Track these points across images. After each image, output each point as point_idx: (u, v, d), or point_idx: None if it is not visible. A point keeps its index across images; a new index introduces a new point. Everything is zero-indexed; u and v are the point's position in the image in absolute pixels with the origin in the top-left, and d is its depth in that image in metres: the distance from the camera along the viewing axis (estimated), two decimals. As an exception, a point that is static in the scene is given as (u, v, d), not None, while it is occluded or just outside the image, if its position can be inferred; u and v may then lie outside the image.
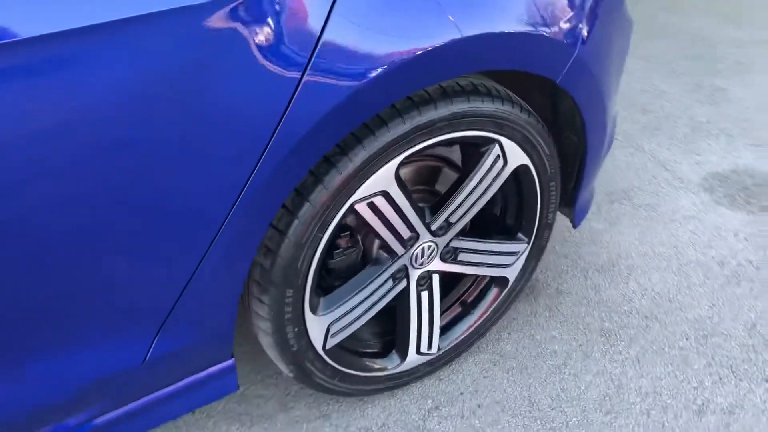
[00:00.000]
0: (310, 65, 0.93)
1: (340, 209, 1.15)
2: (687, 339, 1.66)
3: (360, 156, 1.11)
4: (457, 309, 1.55)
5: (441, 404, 1.50)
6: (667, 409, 1.49)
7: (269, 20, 0.89)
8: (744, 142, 2.46)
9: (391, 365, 1.44)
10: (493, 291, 1.55)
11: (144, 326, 1.05)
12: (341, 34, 0.94)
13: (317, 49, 0.93)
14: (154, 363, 1.10)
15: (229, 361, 1.22)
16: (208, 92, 0.88)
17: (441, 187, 1.44)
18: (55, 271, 0.89)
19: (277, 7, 0.89)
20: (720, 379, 1.56)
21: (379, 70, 0.98)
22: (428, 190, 1.44)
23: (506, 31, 1.10)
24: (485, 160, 1.29)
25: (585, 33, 1.25)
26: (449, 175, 1.42)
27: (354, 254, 1.31)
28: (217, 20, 0.85)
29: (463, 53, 1.07)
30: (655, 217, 2.09)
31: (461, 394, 1.53)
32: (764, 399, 1.51)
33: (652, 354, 1.62)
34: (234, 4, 0.85)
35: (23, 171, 0.79)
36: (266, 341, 1.25)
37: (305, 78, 0.93)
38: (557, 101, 1.42)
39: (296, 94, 0.93)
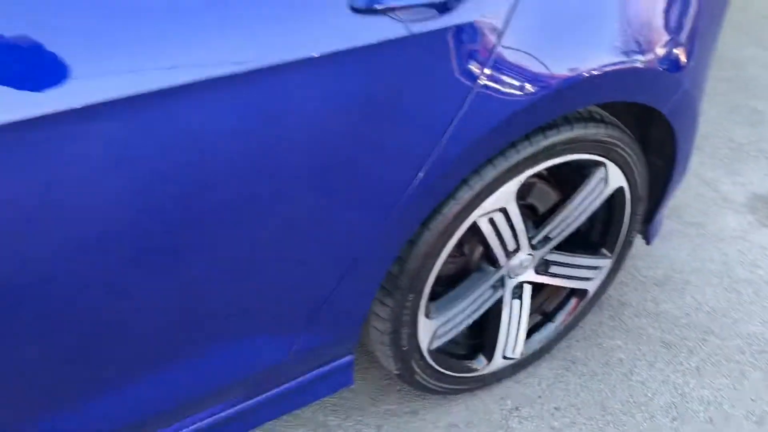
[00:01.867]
0: (478, 80, 1.02)
1: (464, 222, 1.23)
2: (743, 353, 1.77)
3: (490, 174, 1.19)
4: (537, 317, 1.65)
5: (520, 405, 1.60)
6: (728, 418, 1.60)
7: (453, 47, 0.98)
8: (782, 166, 2.57)
9: (479, 367, 1.53)
10: (573, 301, 1.64)
11: (297, 323, 1.13)
12: (513, 53, 1.04)
13: (488, 65, 1.02)
14: (293, 358, 1.19)
15: (350, 357, 1.30)
16: (392, 103, 0.97)
17: (533, 200, 1.52)
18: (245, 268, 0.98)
19: (453, 41, 0.98)
20: (776, 392, 1.67)
21: (542, 90, 1.07)
22: (524, 204, 1.52)
23: (642, 67, 1.19)
24: (590, 182, 1.39)
25: (692, 63, 1.34)
26: (543, 190, 1.51)
27: (461, 263, 1.40)
28: (410, 48, 0.94)
29: (607, 84, 1.17)
30: (705, 234, 2.19)
31: (539, 397, 1.62)
32: (818, 413, 1.62)
33: (711, 366, 1.73)
34: (423, 35, 0.94)
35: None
36: (380, 340, 1.33)
37: (474, 93, 1.02)
38: (649, 127, 1.51)
39: (463, 108, 1.02)
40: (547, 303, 1.65)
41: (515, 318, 1.51)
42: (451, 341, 1.55)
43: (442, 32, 0.96)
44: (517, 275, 1.45)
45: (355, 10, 0.87)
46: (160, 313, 0.96)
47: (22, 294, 0.81)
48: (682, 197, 2.36)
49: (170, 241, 0.88)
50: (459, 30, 0.98)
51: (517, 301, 1.50)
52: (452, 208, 1.19)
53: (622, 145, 1.36)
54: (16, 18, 0.71)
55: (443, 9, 0.94)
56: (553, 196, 1.47)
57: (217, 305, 1.00)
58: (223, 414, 1.18)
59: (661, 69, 1.26)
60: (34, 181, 0.75)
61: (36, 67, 0.71)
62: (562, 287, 1.64)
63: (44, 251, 0.80)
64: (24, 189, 0.75)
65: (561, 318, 1.64)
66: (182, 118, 0.80)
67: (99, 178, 0.78)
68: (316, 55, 0.84)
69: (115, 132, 0.77)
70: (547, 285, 1.62)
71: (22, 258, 0.78)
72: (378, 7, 0.88)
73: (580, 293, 1.63)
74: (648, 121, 1.50)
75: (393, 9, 0.89)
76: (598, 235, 1.59)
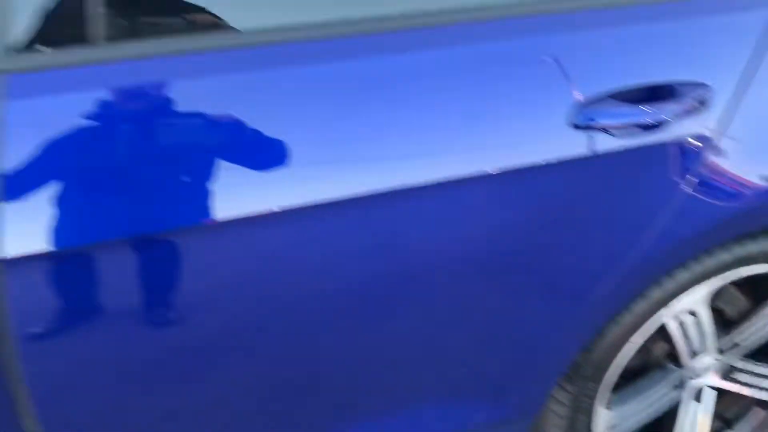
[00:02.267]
0: (680, 192, 1.09)
1: (651, 319, 1.28)
2: None
3: (683, 277, 1.24)
4: (716, 423, 1.60)
5: None
6: None
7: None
8: None
9: (649, 465, 1.52)
10: (756, 412, 1.59)
11: (481, 398, 1.23)
12: (717, 167, 1.11)
13: (691, 178, 1.09)
14: (472, 429, 1.28)
15: (525, 435, 1.37)
16: (597, 208, 1.07)
17: (723, 304, 1.51)
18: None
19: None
20: None
21: (743, 204, 1.13)
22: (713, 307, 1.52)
23: None
24: (784, 292, 1.37)
25: None
26: (734, 295, 1.49)
27: (644, 357, 1.43)
28: (618, 159, 1.04)
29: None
30: None
31: (712, 506, 1.57)
32: None
33: None
34: (632, 149, 1.04)
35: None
36: (555, 423, 1.39)
37: (675, 203, 1.09)
38: None
39: (663, 216, 1.09)
40: (727, 409, 1.61)
41: (692, 421, 1.49)
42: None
43: (650, 147, 1.04)
44: (699, 377, 1.44)
45: (575, 126, 0.99)
46: (377, 376, 1.11)
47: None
48: None
49: (391, 325, 1.05)
50: (666, 145, 1.06)
51: (696, 404, 1.48)
52: (641, 306, 1.24)
53: (822, 261, 1.34)
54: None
55: (653, 127, 1.03)
56: (744, 302, 1.46)
57: (421, 376, 1.14)
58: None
59: None
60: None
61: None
62: (746, 395, 1.59)
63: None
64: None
65: (742, 427, 1.59)
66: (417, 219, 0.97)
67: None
68: (543, 163, 0.97)
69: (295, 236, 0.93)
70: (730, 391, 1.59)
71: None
72: (594, 124, 0.99)
73: (766, 404, 1.57)
74: None
75: (607, 127, 1.00)
76: (792, 347, 1.53)
